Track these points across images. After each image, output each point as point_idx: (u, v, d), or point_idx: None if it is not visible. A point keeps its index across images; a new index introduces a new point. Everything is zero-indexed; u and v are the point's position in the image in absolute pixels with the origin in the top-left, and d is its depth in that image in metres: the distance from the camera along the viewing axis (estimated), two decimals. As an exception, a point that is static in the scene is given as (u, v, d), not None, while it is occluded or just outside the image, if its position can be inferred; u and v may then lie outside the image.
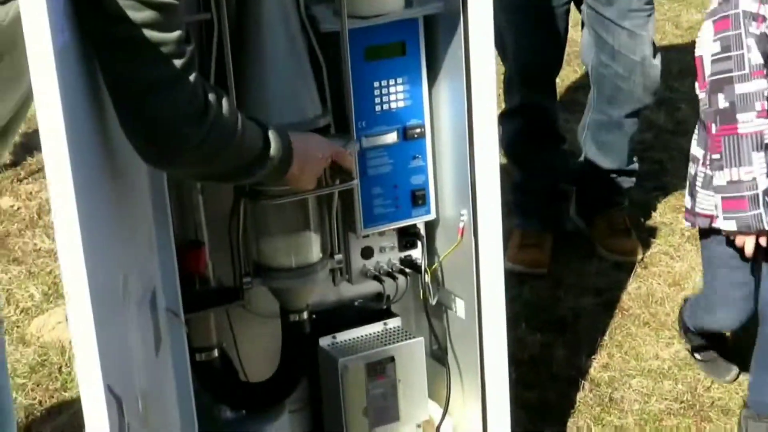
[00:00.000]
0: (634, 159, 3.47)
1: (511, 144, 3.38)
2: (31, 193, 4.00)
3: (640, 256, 3.39)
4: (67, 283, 1.29)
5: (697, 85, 2.44)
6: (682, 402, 2.77)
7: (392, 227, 2.24)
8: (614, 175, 3.43)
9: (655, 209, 3.75)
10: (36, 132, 4.35)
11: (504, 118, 3.33)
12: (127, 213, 1.69)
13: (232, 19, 1.97)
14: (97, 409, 1.29)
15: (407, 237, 2.28)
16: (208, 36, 1.97)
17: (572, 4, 3.29)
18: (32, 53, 1.25)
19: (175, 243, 1.95)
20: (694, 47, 2.47)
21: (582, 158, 3.53)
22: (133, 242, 1.68)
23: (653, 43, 3.23)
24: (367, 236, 2.24)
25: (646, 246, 3.48)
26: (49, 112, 1.26)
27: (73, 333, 1.29)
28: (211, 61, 1.96)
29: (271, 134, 1.68)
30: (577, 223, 3.54)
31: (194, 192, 2.03)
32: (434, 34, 2.16)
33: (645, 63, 3.21)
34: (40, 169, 4.19)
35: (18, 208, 3.89)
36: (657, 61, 3.24)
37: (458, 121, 2.15)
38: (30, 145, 4.41)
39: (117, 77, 1.43)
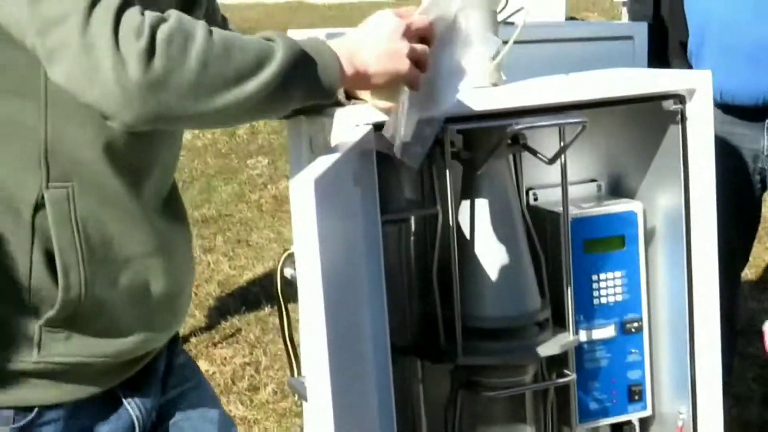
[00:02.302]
0: None
1: None
2: (225, 358, 4.10)
3: None
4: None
5: None
6: None
7: (607, 423, 2.19)
8: None
9: None
10: (229, 295, 4.49)
11: None
12: (360, 403, 1.71)
13: (454, 212, 2.02)
14: None
15: (622, 432, 2.23)
16: (432, 229, 2.01)
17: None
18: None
19: (394, 433, 1.95)
20: None
21: None
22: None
23: None
24: (581, 431, 2.19)
25: None
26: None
27: None
28: (435, 253, 1.99)
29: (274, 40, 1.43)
30: None
31: (415, 383, 2.05)
32: (654, 228, 2.15)
33: None
34: (234, 334, 4.31)
35: (213, 373, 3.98)
36: None
37: (678, 316, 2.12)
38: (223, 308, 4.55)
39: None
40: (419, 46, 1.54)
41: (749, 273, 4.60)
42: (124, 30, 1.28)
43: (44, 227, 1.42)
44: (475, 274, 2.00)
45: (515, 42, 1.94)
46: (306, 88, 1.44)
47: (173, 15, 1.33)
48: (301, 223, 1.25)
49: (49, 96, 1.40)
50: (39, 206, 1.42)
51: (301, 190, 1.24)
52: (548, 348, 2.01)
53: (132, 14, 1.30)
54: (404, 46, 1.51)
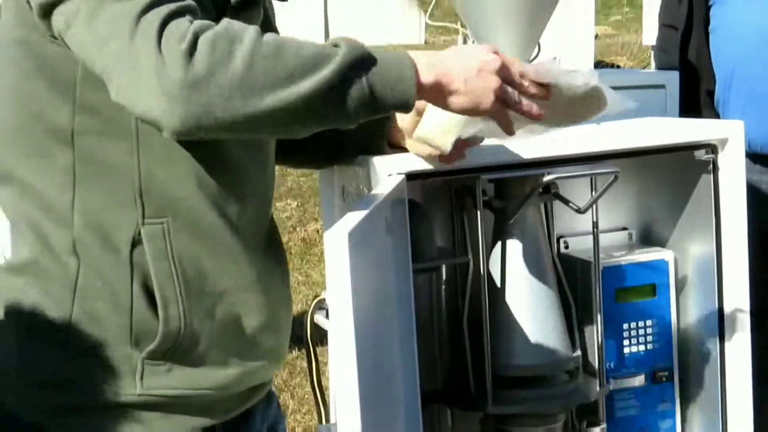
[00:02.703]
0: None
1: None
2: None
3: None
4: None
5: None
6: None
7: (638, 472, 2.19)
8: None
9: None
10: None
11: None
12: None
13: (485, 260, 2.03)
14: None
15: (653, 482, 2.22)
16: (463, 277, 2.02)
17: None
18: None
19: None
20: None
21: None
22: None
23: None
24: (612, 480, 2.19)
25: None
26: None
27: None
28: (465, 301, 2.00)
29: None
30: None
31: (444, 429, 2.05)
32: (685, 276, 2.15)
33: None
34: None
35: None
36: None
37: (709, 366, 2.11)
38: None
39: None
40: (513, 91, 1.47)
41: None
42: (168, 35, 1.28)
43: (142, 263, 1.45)
44: (506, 322, 2.00)
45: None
46: (370, 91, 1.36)
47: (223, 21, 1.34)
48: (334, 276, 1.26)
49: (140, 135, 1.43)
50: (136, 242, 1.45)
51: (336, 243, 1.26)
52: (578, 397, 2.01)
53: (179, 22, 1.30)
54: (495, 81, 1.44)
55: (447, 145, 1.65)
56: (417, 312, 1.90)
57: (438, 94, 1.43)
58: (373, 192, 1.66)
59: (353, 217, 1.36)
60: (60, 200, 1.45)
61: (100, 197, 1.45)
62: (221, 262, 1.50)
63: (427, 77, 1.40)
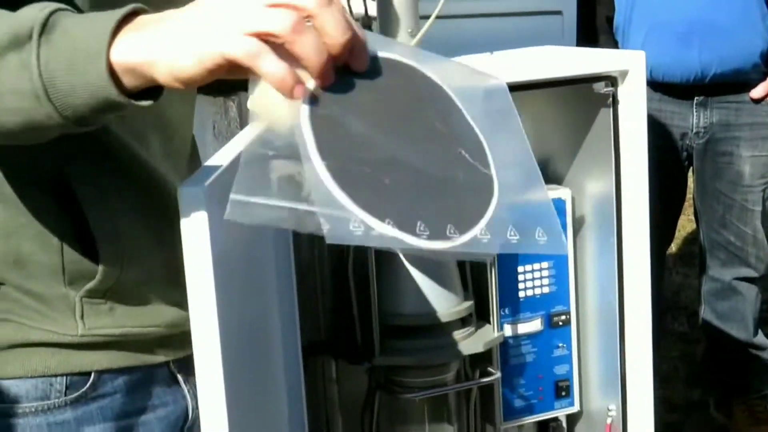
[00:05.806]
0: (759, 331, 3.25)
1: None
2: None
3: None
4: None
5: None
6: None
7: (533, 420, 2.09)
8: (744, 352, 3.21)
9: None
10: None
11: None
12: (266, 410, 1.58)
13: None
14: None
15: (548, 430, 2.13)
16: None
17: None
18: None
19: (308, 438, 1.83)
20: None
21: (706, 341, 3.35)
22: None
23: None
24: (506, 429, 2.09)
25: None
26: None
27: None
28: (350, 247, 1.86)
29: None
30: (719, 419, 3.31)
31: (329, 384, 1.92)
32: (583, 216, 2.04)
33: (757, 236, 3.05)
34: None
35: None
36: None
37: (607, 308, 2.01)
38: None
39: None
40: None
41: (673, 246, 4.56)
42: None
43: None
44: (394, 269, 1.87)
45: (438, 17, 1.81)
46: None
47: None
48: (190, 232, 1.10)
49: None
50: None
51: (190, 200, 1.09)
52: (471, 345, 1.89)
53: None
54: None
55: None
56: (299, 259, 1.76)
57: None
58: (246, 129, 1.50)
59: (214, 165, 1.20)
60: None
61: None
62: None
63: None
